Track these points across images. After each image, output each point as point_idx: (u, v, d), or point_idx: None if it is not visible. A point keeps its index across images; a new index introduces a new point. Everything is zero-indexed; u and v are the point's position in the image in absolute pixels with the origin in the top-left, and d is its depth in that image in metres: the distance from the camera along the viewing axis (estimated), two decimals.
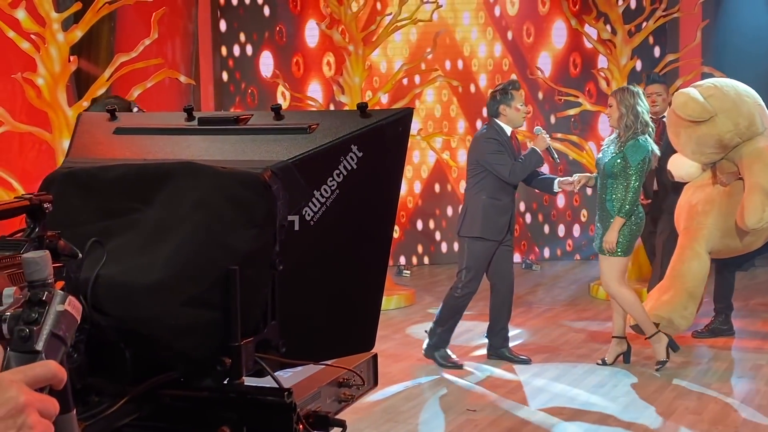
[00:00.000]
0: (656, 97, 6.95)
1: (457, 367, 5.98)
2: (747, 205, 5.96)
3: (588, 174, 6.14)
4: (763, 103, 6.25)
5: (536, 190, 6.97)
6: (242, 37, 9.31)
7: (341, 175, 1.58)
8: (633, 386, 5.57)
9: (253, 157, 1.59)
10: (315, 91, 9.32)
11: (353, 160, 1.60)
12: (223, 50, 9.26)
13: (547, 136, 6.08)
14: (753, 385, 5.56)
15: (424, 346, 6.10)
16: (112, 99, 4.45)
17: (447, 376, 5.87)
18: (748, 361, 6.10)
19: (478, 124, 9.91)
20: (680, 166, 6.33)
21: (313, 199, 1.54)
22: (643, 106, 5.72)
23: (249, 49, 9.37)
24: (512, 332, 6.39)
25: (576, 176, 6.06)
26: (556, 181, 6.05)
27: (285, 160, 1.53)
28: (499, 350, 6.15)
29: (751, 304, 7.71)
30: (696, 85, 6.32)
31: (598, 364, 6.00)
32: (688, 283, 6.17)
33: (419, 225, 9.93)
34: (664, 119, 6.75)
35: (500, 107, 5.97)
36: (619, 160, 5.69)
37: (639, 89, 5.88)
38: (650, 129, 5.75)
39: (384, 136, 1.66)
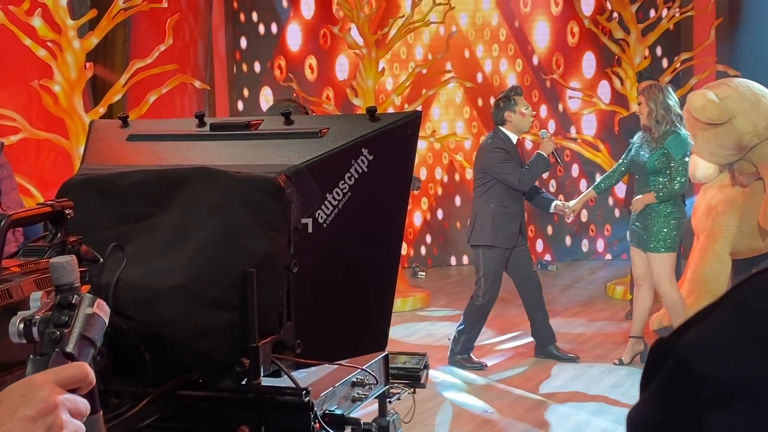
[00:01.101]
0: None
1: (480, 367, 6.00)
2: None
3: (584, 197, 6.22)
4: None
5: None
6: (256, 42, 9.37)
7: (353, 178, 1.61)
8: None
9: (265, 161, 1.62)
10: (329, 94, 9.37)
11: (364, 163, 1.63)
12: (237, 54, 9.33)
13: (552, 139, 6.12)
14: None
15: (448, 353, 6.12)
16: (288, 102, 4.12)
17: (465, 376, 5.89)
18: None
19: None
20: (697, 167, 6.32)
21: (326, 202, 1.58)
22: (673, 99, 5.71)
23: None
24: (528, 334, 6.41)
25: (572, 204, 6.10)
26: (553, 204, 6.13)
27: (298, 164, 1.56)
28: (546, 348, 6.17)
29: None
30: (710, 86, 6.31)
31: (615, 363, 6.01)
32: (711, 286, 6.16)
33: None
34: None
35: (505, 114, 6.00)
36: (662, 156, 5.65)
37: (668, 85, 5.89)
38: (684, 122, 5.76)
39: (394, 139, 1.69)
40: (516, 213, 5.99)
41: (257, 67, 9.27)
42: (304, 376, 1.65)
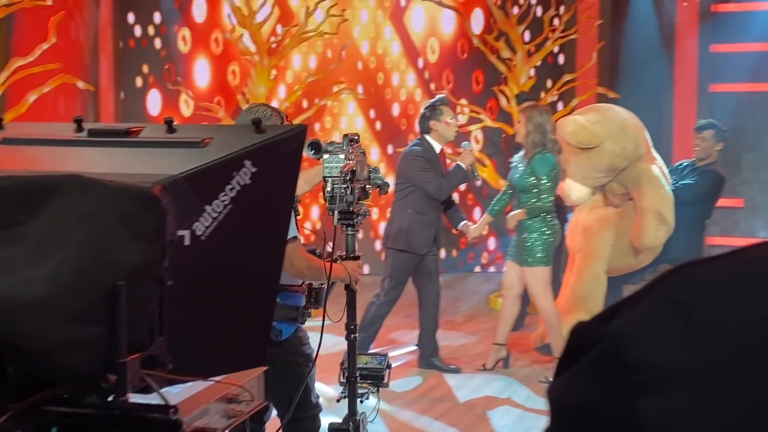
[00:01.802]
0: None
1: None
2: (641, 225, 6.21)
3: (483, 222, 6.43)
4: (643, 125, 6.53)
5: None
6: (145, 44, 9.15)
7: (234, 190, 1.58)
8: (528, 397, 5.70)
9: (143, 170, 1.57)
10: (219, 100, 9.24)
11: (246, 175, 1.60)
12: (125, 56, 9.08)
13: (473, 151, 6.27)
14: None
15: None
16: (263, 107, 3.80)
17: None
18: None
19: (390, 149, 9.99)
20: (571, 190, 6.57)
21: (205, 214, 1.54)
22: (550, 123, 5.98)
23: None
24: (412, 343, 6.46)
25: (473, 229, 6.25)
26: (462, 222, 6.27)
27: (176, 174, 1.52)
28: (430, 359, 6.25)
29: None
30: (579, 112, 6.59)
31: (479, 369, 6.22)
32: (589, 304, 6.39)
33: None
34: None
35: (431, 123, 6.09)
36: (530, 176, 5.90)
37: (547, 109, 6.12)
38: (557, 147, 6.02)
39: (278, 152, 1.67)
40: (433, 221, 6.09)
41: (146, 69, 9.06)
42: (180, 392, 1.61)
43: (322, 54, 9.60)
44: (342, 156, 3.44)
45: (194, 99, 8.39)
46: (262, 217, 1.67)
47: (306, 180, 4.41)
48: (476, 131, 9.41)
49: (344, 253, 3.59)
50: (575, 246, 6.64)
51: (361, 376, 3.66)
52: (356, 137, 3.54)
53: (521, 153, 6.10)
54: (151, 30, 9.03)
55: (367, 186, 3.58)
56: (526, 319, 7.15)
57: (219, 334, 1.62)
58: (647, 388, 0.54)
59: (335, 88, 8.79)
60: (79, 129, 1.77)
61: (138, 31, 8.94)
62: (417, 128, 6.33)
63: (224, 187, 1.57)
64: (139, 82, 8.94)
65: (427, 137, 6.12)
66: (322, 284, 3.47)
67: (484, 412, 5.41)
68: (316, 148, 3.45)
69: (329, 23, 8.46)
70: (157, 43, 9.03)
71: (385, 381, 3.74)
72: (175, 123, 1.79)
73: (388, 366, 3.78)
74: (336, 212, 3.39)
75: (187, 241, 1.51)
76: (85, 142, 1.74)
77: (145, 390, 1.46)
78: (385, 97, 9.99)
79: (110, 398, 1.44)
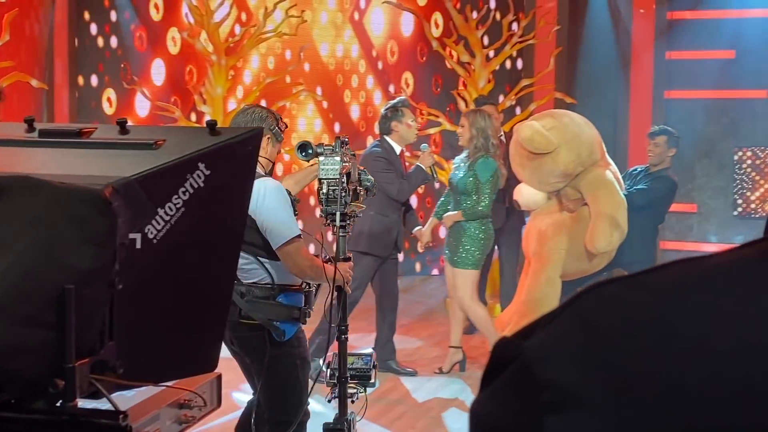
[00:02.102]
0: None
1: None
2: (595, 230, 6.27)
3: (429, 226, 6.39)
4: (597, 132, 6.60)
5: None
6: (100, 42, 9.03)
7: (187, 193, 1.56)
8: None
9: (95, 172, 1.55)
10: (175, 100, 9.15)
11: (200, 178, 1.58)
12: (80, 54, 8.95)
13: (432, 153, 6.28)
14: None
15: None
16: (258, 108, 3.79)
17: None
18: None
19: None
20: (527, 195, 6.62)
21: (157, 217, 1.52)
22: (492, 128, 6.04)
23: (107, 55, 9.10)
24: (369, 346, 6.45)
25: (424, 234, 6.27)
26: (415, 229, 6.31)
27: (128, 176, 1.50)
28: (386, 362, 6.23)
29: None
30: (535, 118, 6.63)
31: (435, 372, 6.24)
32: (544, 308, 6.39)
33: None
34: (502, 138, 7.07)
35: (392, 124, 6.08)
36: (471, 178, 5.95)
37: (490, 114, 6.17)
38: (498, 152, 6.11)
39: (233, 155, 1.65)
40: (394, 222, 6.09)
41: (101, 68, 8.94)
42: (134, 395, 1.59)
43: (281, 55, 9.56)
44: (338, 158, 3.45)
45: (150, 98, 8.29)
46: (215, 220, 1.65)
47: (296, 181, 4.45)
48: (434, 134, 9.44)
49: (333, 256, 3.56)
50: (530, 250, 6.70)
51: (349, 376, 3.65)
52: (347, 140, 3.57)
53: (464, 155, 6.15)
54: (107, 28, 8.92)
55: (358, 188, 3.59)
56: None
57: (170, 338, 1.60)
58: (553, 407, 0.55)
59: (294, 90, 8.75)
60: (30, 129, 1.74)
61: (94, 29, 8.82)
62: (377, 130, 6.32)
63: (177, 189, 1.55)
64: (94, 80, 8.82)
65: (388, 138, 6.12)
66: (310, 287, 3.47)
67: (439, 415, 5.42)
68: (307, 150, 3.48)
69: (288, 24, 8.43)
70: (113, 41, 8.92)
71: (372, 381, 3.75)
72: (128, 124, 1.76)
73: (374, 366, 3.78)
74: (338, 214, 3.39)
75: (138, 245, 1.49)
76: (35, 142, 1.71)
77: (95, 395, 1.44)
78: (344, 99, 9.98)
79: (58, 404, 1.41)
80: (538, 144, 6.28)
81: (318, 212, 3.55)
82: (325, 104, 9.62)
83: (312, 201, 8.93)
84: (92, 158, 1.62)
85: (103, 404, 1.48)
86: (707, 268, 0.57)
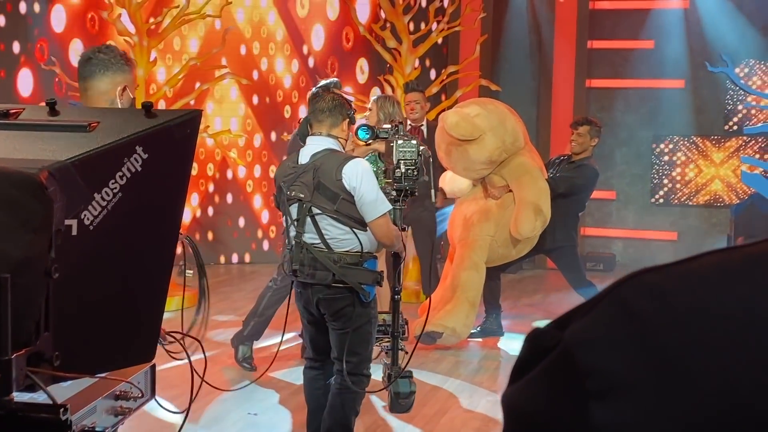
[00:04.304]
0: (415, 105, 7.18)
1: (252, 369, 5.92)
2: (520, 216, 6.36)
3: None
4: (521, 119, 6.69)
5: None
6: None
7: (124, 178, 1.51)
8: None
9: (26, 155, 1.48)
10: None
11: (138, 162, 1.53)
12: None
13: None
14: None
15: (235, 334, 6.05)
16: (332, 95, 4.15)
17: (235, 376, 5.79)
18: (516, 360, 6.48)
19: (273, 135, 9.88)
20: (452, 182, 6.66)
21: (94, 203, 1.46)
22: (400, 115, 5.97)
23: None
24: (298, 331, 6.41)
25: None
26: None
27: (63, 160, 1.44)
28: None
29: (519, 305, 8.20)
30: (461, 105, 6.68)
31: None
32: (469, 294, 6.49)
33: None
34: (422, 127, 7.09)
35: None
36: (377, 164, 5.90)
37: (396, 100, 6.12)
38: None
39: (171, 138, 1.61)
40: None
41: (16, 47, 8.63)
42: (68, 386, 1.53)
43: (204, 37, 9.39)
44: (414, 142, 4.10)
45: (69, 81, 8.03)
46: (153, 206, 1.60)
47: (361, 153, 5.14)
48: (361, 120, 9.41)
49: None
50: (456, 237, 6.75)
51: (383, 332, 4.20)
52: (402, 124, 4.24)
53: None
54: (22, 7, 8.60)
55: (424, 168, 4.24)
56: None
57: (108, 328, 1.54)
58: (598, 394, 0.55)
59: (217, 73, 8.61)
60: None
61: (8, 7, 8.50)
62: (305, 112, 6.22)
63: (114, 174, 1.50)
64: (8, 60, 8.51)
65: None
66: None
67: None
68: (371, 132, 4.26)
69: (212, 5, 8.27)
70: (30, 20, 8.62)
71: (405, 335, 4.34)
72: (57, 105, 1.70)
73: (405, 322, 4.33)
74: (413, 187, 4.11)
75: (74, 231, 1.43)
76: None
77: (30, 388, 1.38)
78: (269, 82, 9.86)
79: None
80: (463, 130, 6.32)
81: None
82: (248, 88, 9.48)
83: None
84: (22, 140, 1.55)
85: (37, 397, 1.42)
86: (746, 258, 0.58)
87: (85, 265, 1.47)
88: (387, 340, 4.25)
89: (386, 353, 4.28)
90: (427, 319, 5.10)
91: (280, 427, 4.92)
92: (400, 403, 4.26)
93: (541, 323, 0.67)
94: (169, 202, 1.63)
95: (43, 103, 1.73)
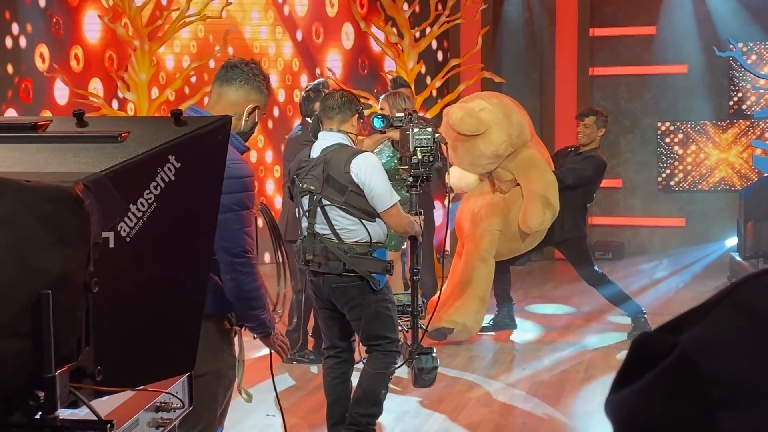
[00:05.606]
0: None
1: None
2: (528, 210, 6.33)
3: None
4: (526, 112, 6.65)
5: None
6: (15, 28, 8.68)
7: (158, 188, 1.49)
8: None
9: (58, 168, 1.46)
10: (96, 87, 8.87)
11: (171, 171, 1.51)
12: None
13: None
14: (536, 375, 5.88)
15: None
16: (341, 91, 4.31)
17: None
18: (530, 351, 6.46)
19: (269, 123, 9.86)
20: (459, 178, 6.62)
21: (129, 214, 1.44)
22: (413, 107, 5.94)
23: (23, 41, 8.76)
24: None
25: None
26: None
27: (97, 171, 1.41)
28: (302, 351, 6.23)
29: (530, 296, 8.18)
30: (465, 100, 6.65)
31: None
32: (478, 289, 6.47)
33: None
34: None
35: (314, 106, 5.96)
36: (396, 161, 5.85)
37: (408, 96, 6.08)
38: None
39: (202, 146, 1.59)
40: None
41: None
42: (105, 401, 1.51)
43: (205, 39, 9.36)
44: (430, 129, 4.31)
45: (70, 86, 8.01)
46: (188, 214, 1.58)
47: (373, 141, 5.47)
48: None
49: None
50: (464, 232, 6.72)
51: (402, 311, 4.41)
52: (416, 112, 4.56)
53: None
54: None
55: (438, 154, 4.46)
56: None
57: (148, 340, 1.52)
58: (726, 402, 0.53)
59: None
60: None
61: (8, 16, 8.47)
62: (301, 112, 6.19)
63: (149, 184, 1.48)
64: (9, 68, 8.47)
65: (310, 121, 6.02)
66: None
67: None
68: (386, 121, 4.56)
69: (211, 7, 8.24)
70: (29, 27, 8.58)
71: (423, 314, 4.59)
72: (86, 116, 1.67)
73: (424, 301, 4.65)
74: (430, 173, 4.39)
75: (111, 244, 1.41)
76: None
77: (73, 404, 1.36)
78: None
79: (38, 416, 1.33)
80: (468, 125, 6.29)
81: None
82: None
83: None
84: (53, 153, 1.52)
85: (79, 413, 1.40)
86: None
87: (123, 277, 1.45)
88: (406, 319, 4.42)
89: (405, 333, 4.45)
90: (432, 316, 5.11)
91: (299, 428, 4.90)
92: (424, 378, 4.48)
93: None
94: (203, 211, 1.60)
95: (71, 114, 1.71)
